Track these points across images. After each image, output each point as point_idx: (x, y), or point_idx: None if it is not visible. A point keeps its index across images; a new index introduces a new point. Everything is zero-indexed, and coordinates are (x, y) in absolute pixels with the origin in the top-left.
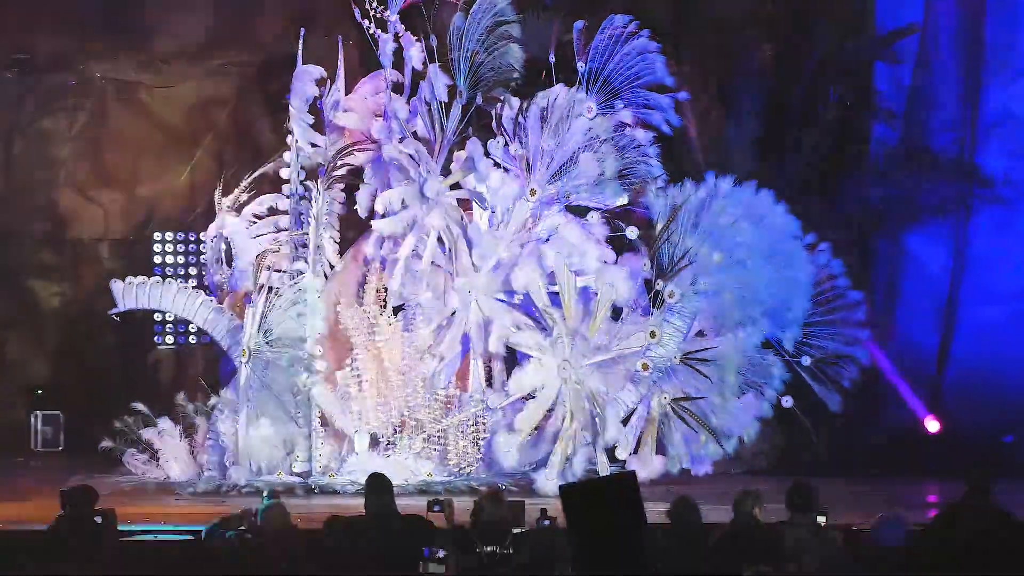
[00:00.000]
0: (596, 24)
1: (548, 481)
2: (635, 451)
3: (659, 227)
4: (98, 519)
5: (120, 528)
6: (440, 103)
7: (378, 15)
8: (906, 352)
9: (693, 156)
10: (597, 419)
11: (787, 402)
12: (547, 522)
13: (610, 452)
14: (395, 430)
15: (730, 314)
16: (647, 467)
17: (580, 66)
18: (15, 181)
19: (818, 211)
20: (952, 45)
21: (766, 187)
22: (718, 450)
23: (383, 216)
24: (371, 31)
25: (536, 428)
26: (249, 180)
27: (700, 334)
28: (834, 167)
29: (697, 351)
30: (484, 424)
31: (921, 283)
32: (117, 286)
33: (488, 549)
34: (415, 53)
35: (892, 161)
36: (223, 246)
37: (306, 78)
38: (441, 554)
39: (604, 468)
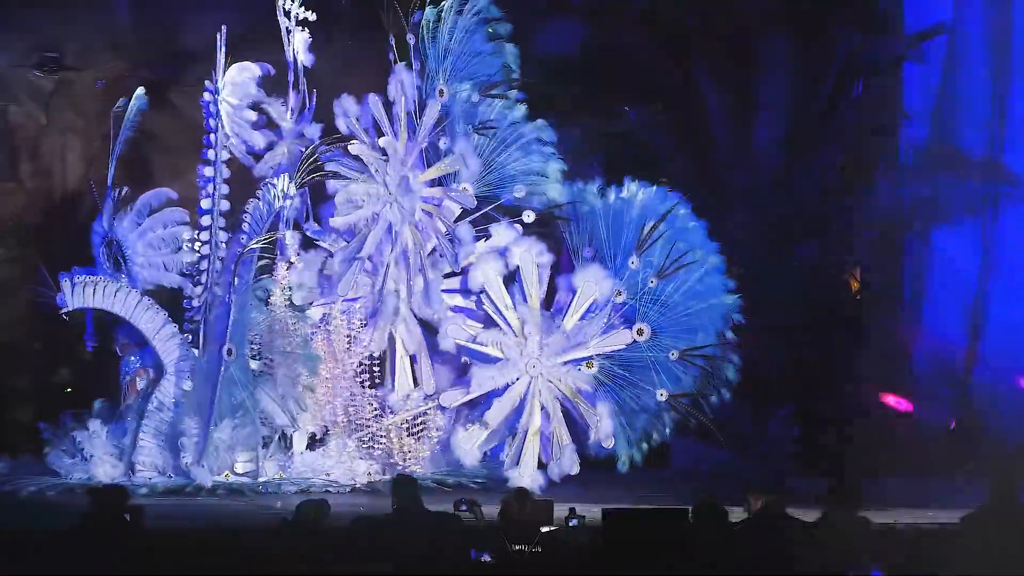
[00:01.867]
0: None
1: (523, 478)
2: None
3: (649, 227)
4: (127, 516)
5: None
6: (414, 102)
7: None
8: (934, 350)
9: (717, 156)
10: (586, 416)
11: (661, 396)
12: (575, 521)
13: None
14: (327, 429)
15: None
16: (529, 477)
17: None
18: (44, 179)
19: (845, 209)
20: (981, 44)
21: (792, 187)
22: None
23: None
24: (288, 28)
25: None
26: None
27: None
28: (862, 166)
29: (696, 348)
30: (431, 422)
31: (949, 281)
32: (66, 285)
33: (517, 548)
34: (303, 54)
35: (921, 160)
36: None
37: (246, 76)
38: (486, 558)
39: (576, 466)
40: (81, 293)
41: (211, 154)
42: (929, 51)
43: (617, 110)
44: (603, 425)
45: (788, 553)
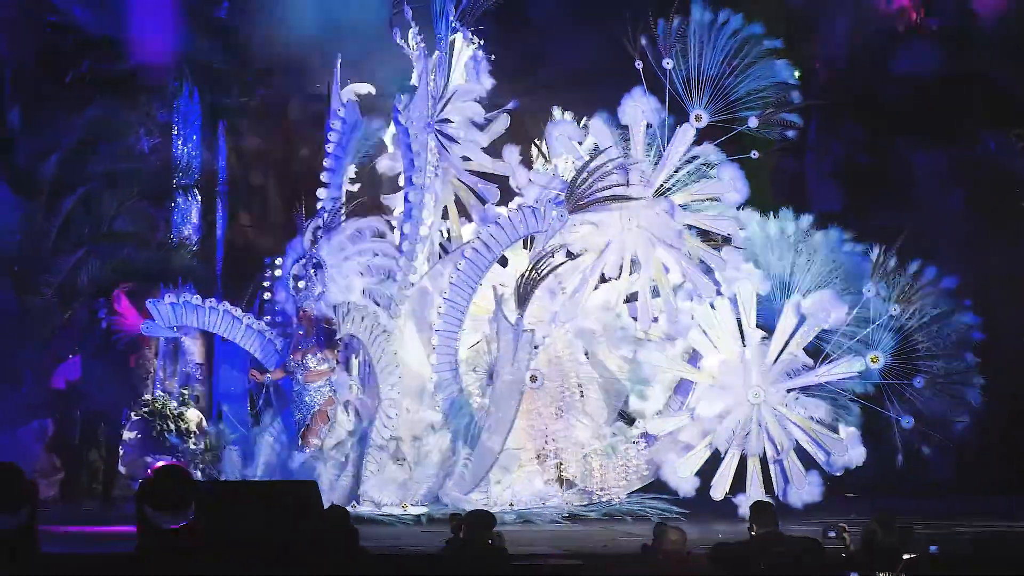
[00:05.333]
0: None
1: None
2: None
3: (883, 252)
4: (490, 542)
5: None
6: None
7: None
8: None
9: None
10: (829, 444)
11: (908, 423)
12: (934, 548)
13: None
14: (542, 455)
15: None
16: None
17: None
18: None
19: None
20: None
21: None
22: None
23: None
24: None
25: None
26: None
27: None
28: None
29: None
30: (630, 449)
31: None
32: (338, 311)
33: (880, 575)
34: (486, 80)
35: None
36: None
37: (467, 97)
38: None
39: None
40: (352, 320)
41: (416, 179)
42: None
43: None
44: (856, 453)
45: None
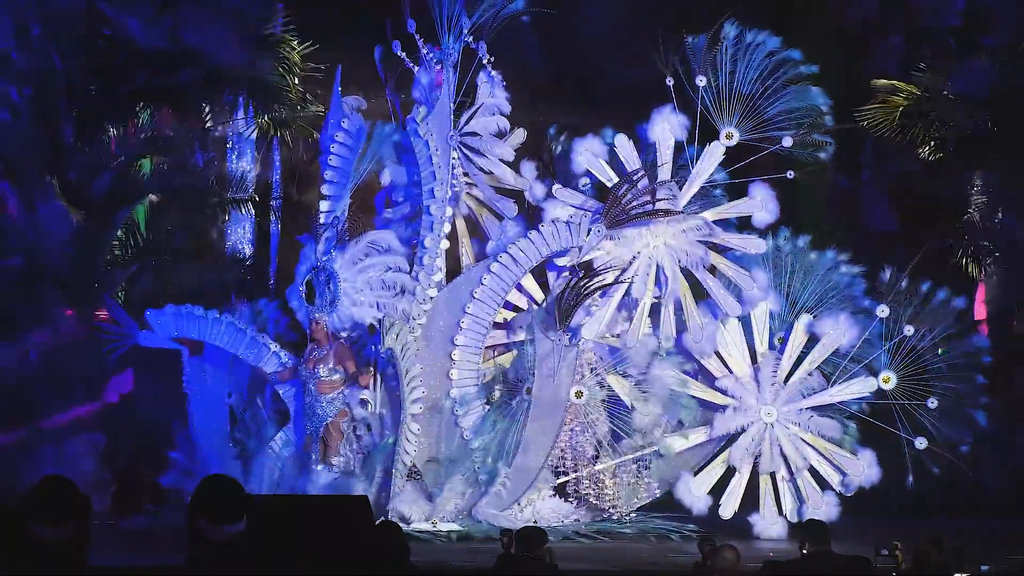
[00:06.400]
0: None
1: (772, 525)
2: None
3: (896, 275)
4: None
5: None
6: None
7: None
8: None
9: None
10: (844, 464)
11: (922, 444)
12: (986, 567)
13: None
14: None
15: None
16: (772, 527)
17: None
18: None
19: None
20: None
21: None
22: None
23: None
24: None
25: None
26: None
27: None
28: None
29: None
30: (643, 467)
31: None
32: (383, 325)
33: None
34: (500, 94)
35: None
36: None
37: (489, 113)
38: None
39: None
40: (390, 332)
41: (438, 191)
42: None
43: None
44: (870, 473)
45: None
